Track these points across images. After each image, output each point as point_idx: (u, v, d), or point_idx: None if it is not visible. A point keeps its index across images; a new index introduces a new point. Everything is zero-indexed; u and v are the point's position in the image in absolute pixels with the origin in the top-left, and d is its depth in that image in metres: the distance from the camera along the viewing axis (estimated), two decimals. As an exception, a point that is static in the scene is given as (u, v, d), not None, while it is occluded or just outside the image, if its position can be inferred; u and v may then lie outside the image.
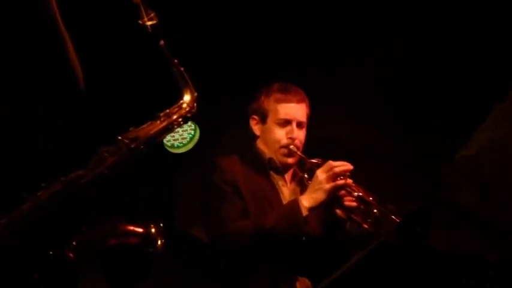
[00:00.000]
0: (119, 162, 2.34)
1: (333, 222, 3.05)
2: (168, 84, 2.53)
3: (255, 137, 3.24)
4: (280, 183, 3.21)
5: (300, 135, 3.17)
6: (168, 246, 2.38)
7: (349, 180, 2.95)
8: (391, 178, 4.09)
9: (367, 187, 2.99)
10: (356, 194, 2.95)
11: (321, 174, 2.96)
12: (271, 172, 3.19)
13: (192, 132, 4.79)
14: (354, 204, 2.97)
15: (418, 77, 4.20)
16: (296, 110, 3.17)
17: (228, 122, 4.45)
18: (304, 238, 2.97)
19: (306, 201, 2.96)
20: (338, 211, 3.01)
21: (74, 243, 2.31)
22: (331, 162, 2.97)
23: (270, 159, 3.18)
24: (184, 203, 4.59)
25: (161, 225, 2.42)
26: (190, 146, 4.77)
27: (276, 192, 3.15)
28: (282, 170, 3.20)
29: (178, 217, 4.57)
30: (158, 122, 2.44)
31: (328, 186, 2.93)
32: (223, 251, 3.03)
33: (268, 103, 3.18)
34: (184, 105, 2.49)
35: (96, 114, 3.38)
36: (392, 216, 2.83)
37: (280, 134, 3.15)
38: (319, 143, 3.34)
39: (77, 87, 2.45)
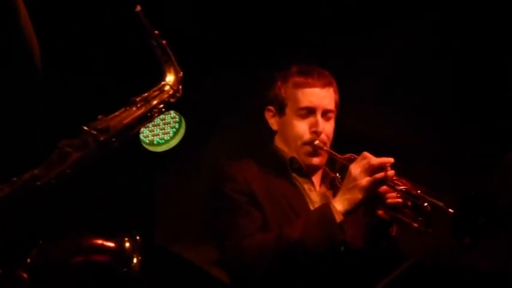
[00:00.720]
0: (84, 159, 2.12)
1: (377, 228, 2.76)
2: (146, 62, 2.33)
3: (273, 133, 2.97)
4: (307, 187, 2.90)
5: (327, 127, 2.87)
6: (145, 265, 2.20)
7: (391, 172, 2.63)
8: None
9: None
10: (401, 188, 2.64)
11: (355, 169, 2.66)
12: (294, 175, 2.89)
13: (177, 125, 4.35)
14: (399, 200, 2.66)
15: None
16: (321, 96, 2.85)
17: (220, 113, 4.16)
18: (341, 249, 2.69)
19: (340, 204, 2.65)
20: (381, 212, 2.71)
21: (29, 260, 2.09)
22: (367, 154, 2.66)
23: (292, 158, 2.89)
24: (166, 214, 4.26)
25: (138, 239, 2.21)
26: (174, 142, 4.35)
27: (302, 199, 2.86)
28: (307, 171, 2.91)
29: (158, 231, 4.21)
30: (134, 108, 2.20)
31: (364, 182, 2.62)
32: (240, 276, 2.74)
33: (286, 89, 2.89)
34: (167, 88, 2.26)
35: (57, 99, 3.23)
36: (449, 210, 2.50)
37: (302, 128, 2.85)
38: (348, 137, 3.07)
39: (31, 64, 2.35)
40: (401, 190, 2.64)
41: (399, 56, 3.93)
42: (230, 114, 4.00)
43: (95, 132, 2.12)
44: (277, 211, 2.75)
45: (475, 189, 3.54)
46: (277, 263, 2.61)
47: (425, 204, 2.57)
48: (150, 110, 2.23)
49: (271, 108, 2.93)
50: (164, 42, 2.24)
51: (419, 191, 2.61)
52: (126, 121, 2.18)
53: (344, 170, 2.78)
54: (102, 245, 2.19)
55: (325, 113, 2.85)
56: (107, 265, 2.17)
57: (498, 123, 3.85)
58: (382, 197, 2.66)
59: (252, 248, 2.63)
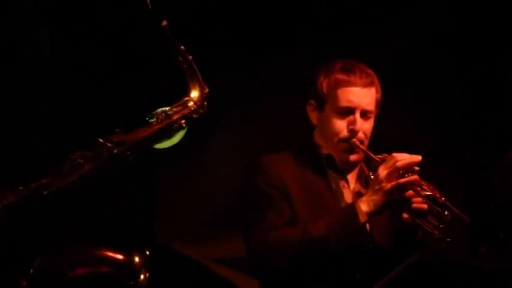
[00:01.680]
0: (95, 171, 2.08)
1: (402, 231, 2.75)
2: (171, 77, 2.30)
3: (312, 127, 2.95)
4: (341, 184, 2.90)
5: (365, 126, 2.84)
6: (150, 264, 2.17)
7: (414, 177, 2.63)
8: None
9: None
10: (426, 193, 2.65)
11: (382, 171, 2.66)
12: (330, 171, 2.89)
13: None
14: (424, 206, 2.66)
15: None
16: (361, 96, 2.82)
17: (221, 112, 4.03)
18: (364, 250, 2.70)
19: (365, 205, 2.66)
20: (406, 216, 2.70)
21: (31, 270, 2.05)
22: (395, 155, 2.66)
23: (328, 155, 2.88)
24: (168, 212, 4.17)
25: (147, 255, 2.15)
26: (176, 139, 4.13)
27: (334, 196, 2.86)
28: (343, 168, 2.90)
29: (160, 229, 4.09)
30: (154, 122, 2.19)
31: (388, 186, 2.62)
32: (262, 268, 2.74)
33: (328, 86, 2.86)
34: (190, 104, 2.23)
35: (76, 111, 3.26)
36: (467, 219, 2.57)
37: (340, 126, 2.83)
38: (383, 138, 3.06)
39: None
40: (426, 196, 2.65)
41: (399, 56, 3.89)
42: (231, 114, 3.96)
43: (110, 145, 2.10)
44: (308, 207, 2.74)
45: (476, 188, 3.54)
46: (299, 257, 2.61)
47: (446, 213, 2.60)
48: (169, 125, 2.23)
49: (312, 102, 2.90)
50: (190, 57, 2.21)
51: (443, 198, 2.63)
52: (143, 135, 2.17)
53: (377, 170, 2.76)
54: (109, 256, 2.15)
55: (364, 113, 2.82)
56: (114, 277, 2.14)
57: (498, 123, 3.81)
58: (408, 202, 2.66)
59: (276, 241, 2.63)
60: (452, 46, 3.83)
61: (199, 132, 4.17)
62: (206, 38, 3.81)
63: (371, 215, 2.64)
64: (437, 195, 2.63)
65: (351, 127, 2.80)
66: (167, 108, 2.21)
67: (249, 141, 3.91)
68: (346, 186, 2.88)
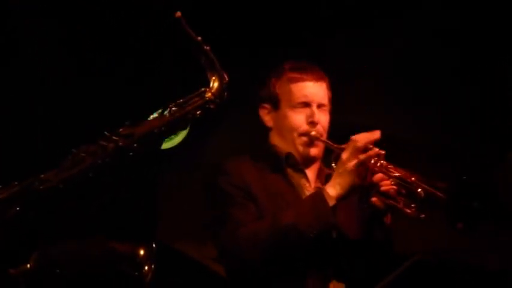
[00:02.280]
0: (97, 165, 1.98)
1: (371, 216, 2.69)
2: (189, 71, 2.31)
3: (268, 130, 2.92)
4: (302, 182, 2.86)
5: (323, 119, 2.83)
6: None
7: (374, 151, 2.60)
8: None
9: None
10: (394, 175, 2.60)
11: (344, 154, 2.64)
12: (290, 170, 2.85)
13: None
14: (394, 187, 2.61)
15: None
16: (315, 89, 2.84)
17: (222, 111, 3.95)
18: (334, 235, 2.67)
19: (332, 189, 2.63)
20: (375, 200, 2.64)
21: (29, 264, 2.01)
22: (354, 137, 2.64)
23: (288, 154, 2.85)
24: (169, 212, 4.25)
25: (153, 248, 2.14)
26: (177, 140, 4.12)
27: (296, 194, 2.81)
28: (303, 166, 2.87)
29: (161, 228, 4.20)
30: (167, 115, 2.10)
31: (351, 164, 2.60)
32: (236, 266, 2.68)
33: (280, 86, 2.87)
34: (208, 95, 2.15)
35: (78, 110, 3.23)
36: (443, 195, 2.49)
37: (299, 119, 2.82)
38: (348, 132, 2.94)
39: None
40: (395, 177, 2.61)
41: (399, 55, 3.90)
42: (232, 112, 3.83)
43: (115, 138, 2.01)
44: (272, 205, 2.71)
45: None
46: (271, 248, 2.58)
47: (419, 190, 2.55)
48: (183, 116, 2.14)
49: (266, 105, 2.90)
50: (208, 48, 2.15)
51: (413, 178, 2.59)
52: (151, 127, 2.08)
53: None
54: (115, 248, 2.14)
55: (319, 106, 2.82)
56: (118, 268, 2.13)
57: (498, 123, 3.81)
58: (376, 185, 2.63)
59: (246, 236, 2.60)
60: (453, 46, 3.84)
61: (201, 132, 4.20)
62: (206, 38, 3.83)
63: (339, 198, 2.61)
64: (406, 175, 2.59)
65: (310, 119, 2.78)
66: (182, 100, 2.13)
67: (250, 141, 3.91)
68: (307, 184, 2.85)
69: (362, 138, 2.62)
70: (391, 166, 2.62)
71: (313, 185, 2.85)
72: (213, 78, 2.17)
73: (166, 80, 3.70)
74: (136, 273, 2.11)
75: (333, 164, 2.77)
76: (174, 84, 3.53)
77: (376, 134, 2.63)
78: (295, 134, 2.80)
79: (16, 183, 1.96)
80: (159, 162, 4.21)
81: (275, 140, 2.89)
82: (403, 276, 2.72)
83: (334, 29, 3.89)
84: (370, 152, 2.59)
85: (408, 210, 2.58)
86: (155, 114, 2.13)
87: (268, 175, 2.79)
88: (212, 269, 3.95)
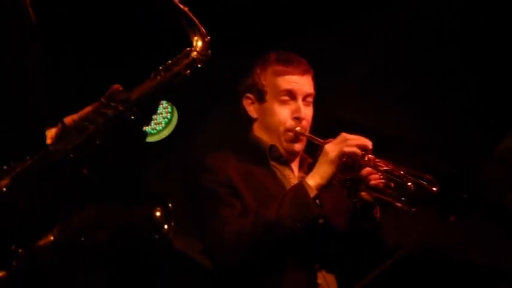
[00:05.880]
0: (102, 131, 2.03)
1: (360, 210, 2.71)
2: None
3: (251, 121, 2.91)
4: (287, 173, 2.87)
5: (308, 112, 2.85)
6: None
7: (361, 143, 2.61)
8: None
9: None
10: (384, 169, 2.62)
11: (329, 146, 2.65)
12: (273, 163, 2.86)
13: (169, 115, 4.32)
14: (382, 181, 2.63)
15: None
16: (301, 82, 2.84)
17: (213, 102, 4.16)
18: (320, 222, 2.66)
19: (312, 180, 2.63)
20: (363, 194, 2.67)
21: (52, 237, 2.02)
22: (344, 134, 2.65)
23: (272, 146, 2.85)
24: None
25: (170, 206, 2.14)
26: (166, 133, 4.31)
27: (282, 186, 2.81)
28: (287, 158, 2.89)
29: None
30: (158, 77, 2.14)
31: (333, 154, 2.61)
32: (223, 263, 2.68)
33: (266, 77, 2.87)
34: (193, 54, 2.19)
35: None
36: (433, 188, 2.52)
37: (284, 114, 2.82)
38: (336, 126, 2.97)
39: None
40: (384, 171, 2.63)
41: (389, 50, 3.93)
42: (221, 105, 3.95)
43: (113, 104, 2.05)
44: (257, 200, 2.70)
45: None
46: (256, 244, 2.59)
47: (409, 183, 2.56)
48: (174, 76, 2.17)
49: (250, 95, 2.88)
50: (186, 8, 2.21)
51: (402, 171, 2.60)
52: (147, 88, 2.11)
53: None
54: (131, 214, 2.16)
55: (305, 97, 2.83)
56: (138, 234, 2.13)
57: (490, 114, 3.83)
58: (365, 179, 2.65)
59: (231, 233, 2.61)
60: (443, 41, 3.85)
61: (189, 126, 4.23)
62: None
63: (320, 188, 2.62)
64: (395, 169, 2.61)
65: (296, 115, 2.80)
66: (170, 62, 2.17)
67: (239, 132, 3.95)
68: (291, 175, 2.87)
69: (353, 137, 2.64)
70: (379, 160, 2.63)
71: (297, 175, 2.86)
72: (195, 38, 2.21)
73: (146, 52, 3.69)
74: (156, 236, 2.11)
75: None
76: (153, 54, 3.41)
77: (367, 142, 2.64)
78: (281, 129, 2.81)
79: (28, 157, 1.98)
80: (147, 157, 4.20)
81: (258, 131, 2.89)
82: (390, 271, 2.74)
83: (325, 23, 3.89)
84: (355, 147, 2.60)
85: (399, 204, 2.60)
86: None
87: (251, 168, 2.80)
88: (200, 261, 3.98)
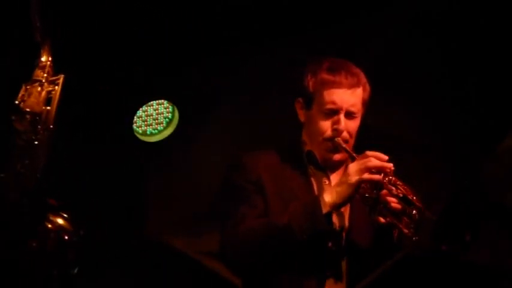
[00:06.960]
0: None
1: (380, 232, 2.78)
2: None
3: (301, 124, 3.01)
4: (323, 180, 2.95)
5: (350, 125, 2.89)
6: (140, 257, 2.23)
7: (377, 176, 2.66)
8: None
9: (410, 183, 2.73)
10: (399, 194, 2.68)
11: (352, 166, 2.72)
12: (311, 167, 2.96)
13: (170, 115, 4.25)
14: (398, 206, 2.70)
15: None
16: (346, 97, 2.87)
17: (212, 104, 4.10)
18: (330, 244, 2.77)
19: (329, 196, 2.71)
20: (379, 218, 2.74)
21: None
22: (368, 153, 2.72)
23: (309, 151, 2.96)
24: (159, 205, 4.20)
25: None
26: (167, 132, 4.25)
27: (310, 192, 2.89)
28: (325, 165, 2.96)
29: (149, 222, 4.17)
30: (39, 88, 2.32)
31: (354, 179, 2.68)
32: (232, 260, 2.85)
33: (314, 85, 2.91)
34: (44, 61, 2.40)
35: None
36: (434, 220, 2.59)
37: (325, 126, 2.89)
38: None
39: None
40: (399, 197, 2.69)
41: (390, 50, 3.91)
42: (222, 104, 3.99)
43: (34, 118, 2.25)
44: (281, 200, 2.80)
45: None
46: (265, 246, 2.69)
47: (414, 212, 2.64)
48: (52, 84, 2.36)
49: (300, 100, 2.96)
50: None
51: (414, 198, 2.66)
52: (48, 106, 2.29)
53: None
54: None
55: (348, 114, 2.87)
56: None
57: (489, 114, 3.82)
58: (384, 201, 2.71)
59: (244, 232, 2.71)
60: (443, 40, 3.84)
61: (190, 126, 4.20)
62: (197, 32, 3.80)
63: (334, 206, 2.70)
64: (409, 195, 2.67)
65: (335, 126, 2.85)
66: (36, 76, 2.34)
67: (240, 136, 3.95)
68: (327, 182, 2.92)
69: (376, 160, 2.68)
70: (400, 183, 2.68)
71: (333, 184, 2.88)
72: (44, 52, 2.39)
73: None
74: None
75: None
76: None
77: (389, 165, 2.68)
78: (320, 138, 2.88)
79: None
80: (147, 157, 4.20)
81: (305, 135, 2.98)
82: (390, 271, 2.73)
83: (325, 23, 3.87)
84: (374, 177, 2.65)
85: (406, 231, 2.65)
86: None
87: (287, 170, 2.89)
88: (201, 261, 3.98)
